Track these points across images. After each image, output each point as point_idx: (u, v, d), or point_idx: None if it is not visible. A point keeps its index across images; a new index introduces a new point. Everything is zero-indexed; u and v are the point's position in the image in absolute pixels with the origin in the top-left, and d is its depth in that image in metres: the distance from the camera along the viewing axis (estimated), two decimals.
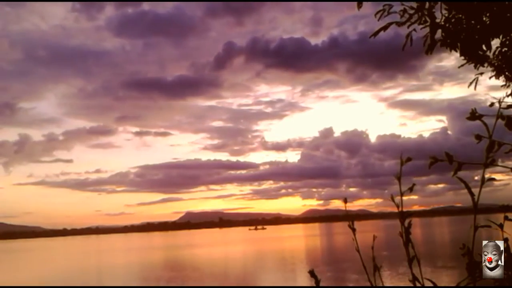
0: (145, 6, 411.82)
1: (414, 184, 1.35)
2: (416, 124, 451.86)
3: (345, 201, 1.66)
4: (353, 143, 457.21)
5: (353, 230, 1.56)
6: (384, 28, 3.78)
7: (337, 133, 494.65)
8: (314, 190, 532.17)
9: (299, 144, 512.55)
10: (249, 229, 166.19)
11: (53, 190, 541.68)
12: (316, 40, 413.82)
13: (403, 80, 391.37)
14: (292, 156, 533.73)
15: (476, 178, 1.27)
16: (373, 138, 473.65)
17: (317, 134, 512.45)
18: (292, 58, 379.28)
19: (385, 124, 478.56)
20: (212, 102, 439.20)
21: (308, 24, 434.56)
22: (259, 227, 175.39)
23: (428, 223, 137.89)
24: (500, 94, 4.83)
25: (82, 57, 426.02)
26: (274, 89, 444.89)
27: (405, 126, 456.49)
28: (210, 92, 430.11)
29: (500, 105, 1.33)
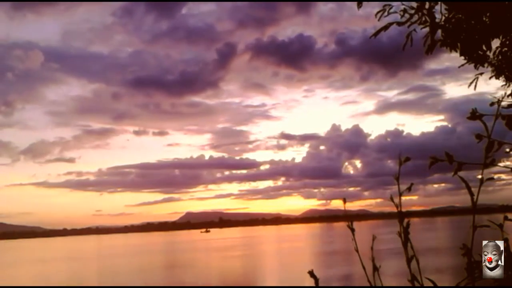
0: (179, 19, 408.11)
1: (412, 184, 1.35)
2: (419, 124, 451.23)
3: (344, 201, 1.65)
4: (355, 142, 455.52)
5: (352, 230, 1.56)
6: (385, 28, 3.78)
7: (339, 132, 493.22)
8: (315, 190, 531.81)
9: (300, 144, 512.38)
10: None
11: (53, 190, 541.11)
12: (321, 40, 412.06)
13: (406, 79, 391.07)
14: (293, 156, 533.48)
15: (479, 177, 1.27)
16: (375, 138, 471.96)
17: (318, 134, 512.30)
18: (296, 58, 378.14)
19: (387, 124, 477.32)
20: (214, 101, 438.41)
21: (316, 28, 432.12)
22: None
23: (428, 223, 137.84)
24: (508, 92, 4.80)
25: (84, 58, 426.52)
26: (277, 88, 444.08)
27: (408, 126, 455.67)
28: (212, 91, 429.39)
29: (499, 104, 1.33)
